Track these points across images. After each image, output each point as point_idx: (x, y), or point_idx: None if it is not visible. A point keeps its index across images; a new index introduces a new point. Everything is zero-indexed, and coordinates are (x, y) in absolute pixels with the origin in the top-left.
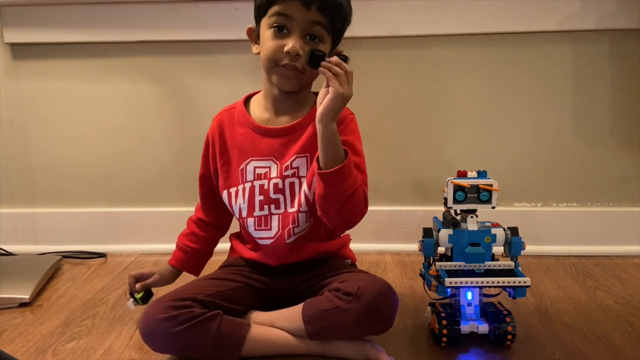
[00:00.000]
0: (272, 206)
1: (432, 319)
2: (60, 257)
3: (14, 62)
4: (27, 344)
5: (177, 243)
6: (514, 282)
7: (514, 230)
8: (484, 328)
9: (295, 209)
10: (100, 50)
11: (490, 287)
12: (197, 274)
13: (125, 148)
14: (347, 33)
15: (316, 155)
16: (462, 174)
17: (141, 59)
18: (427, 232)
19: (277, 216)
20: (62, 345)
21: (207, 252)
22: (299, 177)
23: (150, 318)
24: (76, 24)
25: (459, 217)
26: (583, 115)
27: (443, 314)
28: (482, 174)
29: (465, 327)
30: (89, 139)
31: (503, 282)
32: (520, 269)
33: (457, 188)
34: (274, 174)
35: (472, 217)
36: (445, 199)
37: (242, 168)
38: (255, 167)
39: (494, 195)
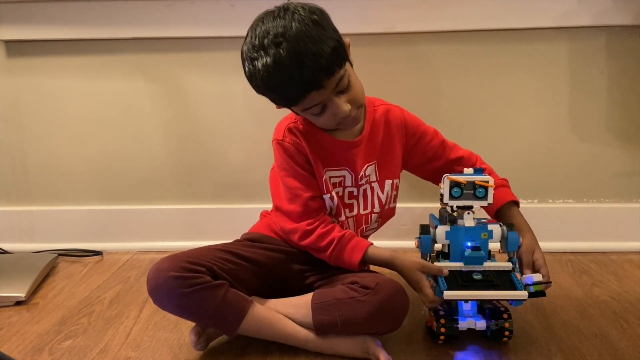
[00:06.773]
0: (347, 210)
1: (430, 316)
2: (56, 255)
3: (9, 59)
4: (23, 342)
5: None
6: (511, 296)
7: (510, 226)
8: (481, 325)
9: (368, 210)
10: (96, 47)
11: (488, 300)
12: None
13: (120, 145)
14: (341, 31)
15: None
16: (458, 170)
17: (137, 56)
18: (424, 229)
19: (352, 218)
20: (59, 344)
21: None
22: (370, 183)
23: (161, 272)
24: (71, 21)
25: (455, 214)
26: (579, 111)
27: (440, 311)
28: (478, 171)
29: (462, 324)
30: (85, 136)
31: (501, 295)
32: (517, 265)
33: (454, 184)
34: (348, 182)
35: (468, 213)
36: (442, 195)
37: (326, 179)
38: (330, 177)
39: (490, 192)
